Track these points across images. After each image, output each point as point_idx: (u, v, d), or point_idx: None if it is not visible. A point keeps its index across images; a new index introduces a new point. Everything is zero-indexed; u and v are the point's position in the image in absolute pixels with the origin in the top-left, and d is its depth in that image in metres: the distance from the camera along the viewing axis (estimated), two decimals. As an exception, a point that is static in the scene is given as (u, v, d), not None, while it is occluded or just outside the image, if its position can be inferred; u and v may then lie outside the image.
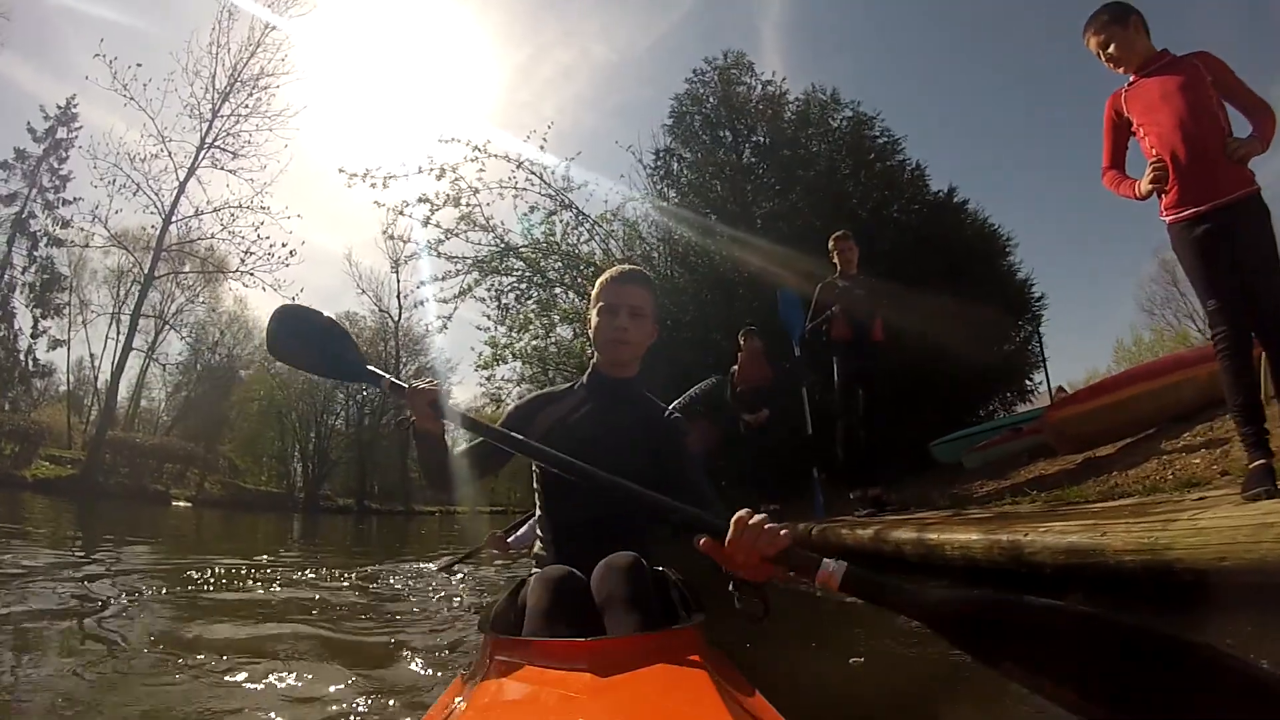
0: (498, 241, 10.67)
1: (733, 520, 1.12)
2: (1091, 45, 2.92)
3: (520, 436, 1.51)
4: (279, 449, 36.85)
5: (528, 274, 10.85)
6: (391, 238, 10.64)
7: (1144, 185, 2.78)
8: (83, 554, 5.29)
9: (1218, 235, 2.61)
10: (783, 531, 1.10)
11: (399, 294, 36.91)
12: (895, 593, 1.08)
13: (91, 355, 32.09)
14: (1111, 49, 2.83)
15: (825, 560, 1.08)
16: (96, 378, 32.14)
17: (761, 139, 13.66)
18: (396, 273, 36.34)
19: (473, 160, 10.23)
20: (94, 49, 21.69)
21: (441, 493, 1.73)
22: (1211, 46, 2.86)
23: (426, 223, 10.30)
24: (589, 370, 1.85)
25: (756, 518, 1.11)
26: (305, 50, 24.80)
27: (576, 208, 11.07)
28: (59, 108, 25.20)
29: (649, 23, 60.10)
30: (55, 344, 27.84)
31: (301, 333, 1.83)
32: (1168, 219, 2.77)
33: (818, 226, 11.33)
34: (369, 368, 1.78)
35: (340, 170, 10.25)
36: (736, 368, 6.61)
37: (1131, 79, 2.89)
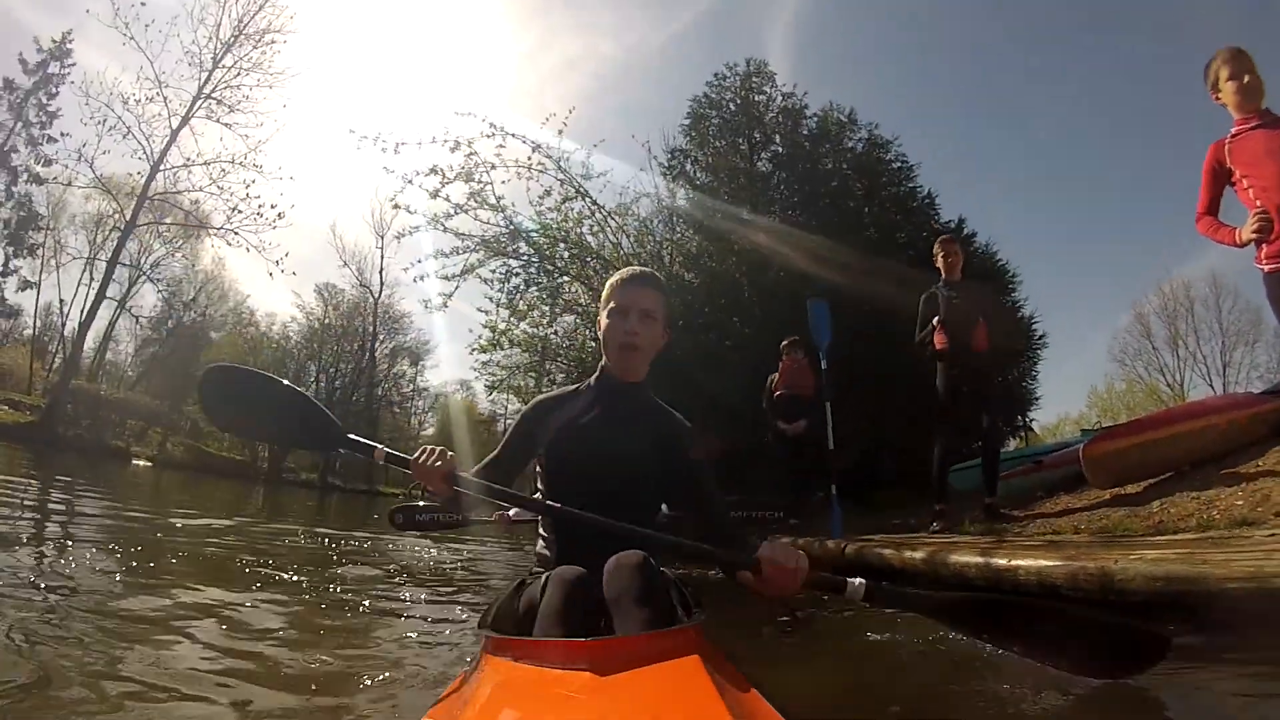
0: (507, 222, 10.40)
1: (761, 560, 1.37)
2: (1224, 73, 2.93)
3: (534, 499, 1.66)
4: (245, 416, 35.97)
5: (535, 259, 10.61)
6: (397, 206, 10.26)
7: (1246, 233, 2.85)
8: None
9: None
10: (801, 554, 1.38)
11: (381, 270, 36.52)
12: (914, 599, 1.53)
13: (61, 301, 31.09)
14: (1248, 80, 2.86)
15: (849, 580, 1.44)
16: (64, 324, 31.10)
17: (779, 149, 13.62)
18: (381, 249, 36.01)
19: (489, 136, 9.99)
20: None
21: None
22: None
23: (436, 194, 10.02)
24: (597, 373, 1.83)
25: (782, 551, 1.38)
26: (310, 11, 24.41)
27: (590, 197, 10.86)
28: (54, 41, 24.53)
29: (659, 23, 59.98)
30: (25, 285, 27.09)
31: (248, 398, 1.70)
32: (1266, 268, 2.85)
33: (829, 244, 11.41)
34: (350, 436, 1.68)
35: (351, 131, 9.91)
36: (775, 376, 6.53)
37: (1234, 130, 2.96)
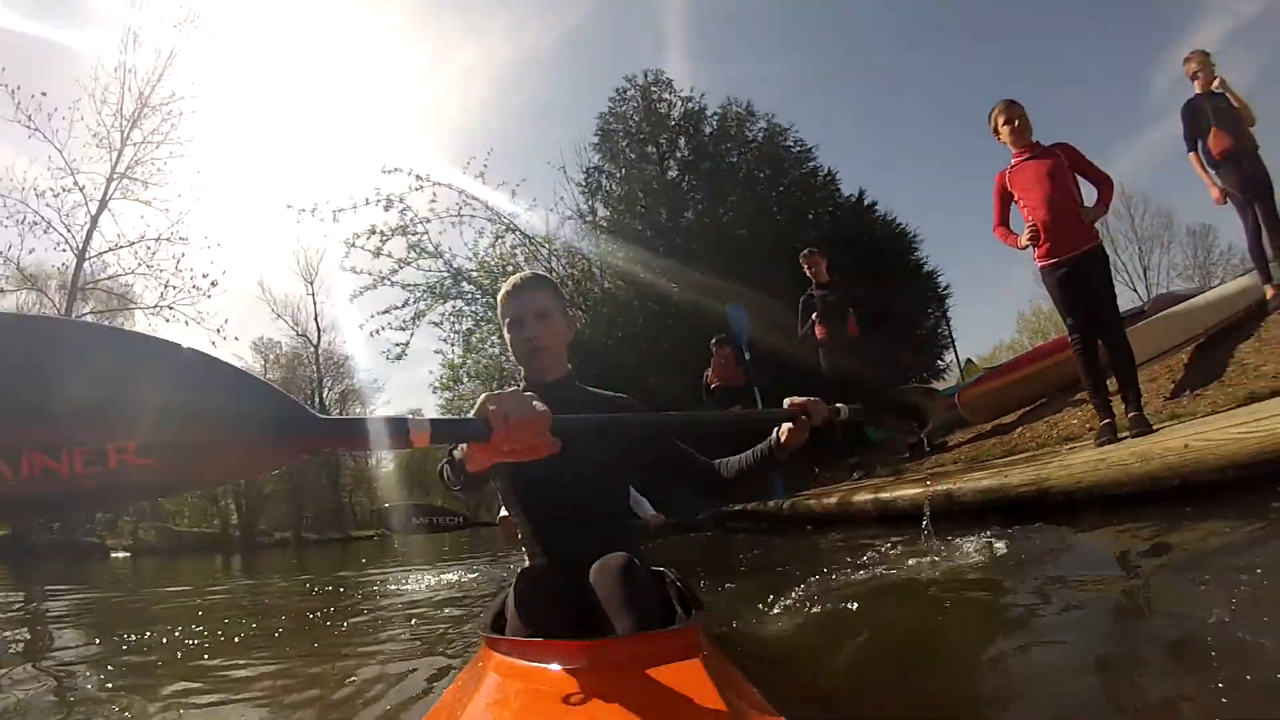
0: (447, 266, 11.07)
1: (789, 410, 1.53)
2: (1000, 120, 3.91)
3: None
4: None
5: (478, 295, 11.29)
6: (348, 270, 10.76)
7: (1023, 240, 3.90)
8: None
9: (1074, 276, 3.77)
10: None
11: (316, 316, 36.28)
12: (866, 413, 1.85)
13: (-3, 406, 30.00)
14: (1017, 124, 3.86)
15: (840, 406, 1.64)
16: (4, 430, 30.05)
17: (684, 154, 14.46)
18: (313, 295, 35.77)
19: (418, 189, 10.59)
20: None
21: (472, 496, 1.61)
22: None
23: (379, 253, 10.59)
24: (522, 384, 1.78)
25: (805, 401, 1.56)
26: (214, 71, 24.09)
27: (520, 230, 11.49)
28: (-47, 141, 23.77)
29: (552, 20, 59.87)
30: (-43, 398, 26.17)
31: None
32: (1039, 264, 3.87)
33: (743, 233, 12.33)
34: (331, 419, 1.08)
35: (288, 206, 10.51)
36: (709, 371, 7.48)
37: (1013, 162, 3.97)
